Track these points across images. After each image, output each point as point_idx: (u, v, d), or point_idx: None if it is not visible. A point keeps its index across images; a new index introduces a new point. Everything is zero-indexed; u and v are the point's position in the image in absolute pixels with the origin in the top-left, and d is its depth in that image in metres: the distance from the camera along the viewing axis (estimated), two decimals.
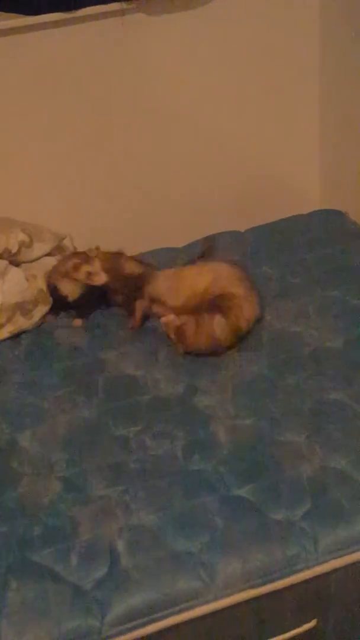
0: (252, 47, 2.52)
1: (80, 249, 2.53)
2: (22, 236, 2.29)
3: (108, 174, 2.56)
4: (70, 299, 2.29)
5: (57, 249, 2.46)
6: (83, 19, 2.27)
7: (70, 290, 2.28)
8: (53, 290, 2.29)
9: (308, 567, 1.56)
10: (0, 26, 2.18)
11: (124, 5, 2.27)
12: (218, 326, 2.07)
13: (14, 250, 2.27)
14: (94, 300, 2.31)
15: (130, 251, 2.52)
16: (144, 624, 1.49)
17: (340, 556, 1.58)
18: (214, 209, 2.69)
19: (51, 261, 2.39)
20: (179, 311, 2.13)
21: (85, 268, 2.20)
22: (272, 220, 2.66)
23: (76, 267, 2.21)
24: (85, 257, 2.24)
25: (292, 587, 1.56)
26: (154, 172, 2.60)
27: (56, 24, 2.24)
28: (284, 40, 2.56)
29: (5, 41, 2.22)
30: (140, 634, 1.49)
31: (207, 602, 1.52)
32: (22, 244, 2.29)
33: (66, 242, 2.51)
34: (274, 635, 1.60)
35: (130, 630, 1.48)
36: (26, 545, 1.61)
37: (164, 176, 2.62)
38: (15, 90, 2.32)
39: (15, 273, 2.26)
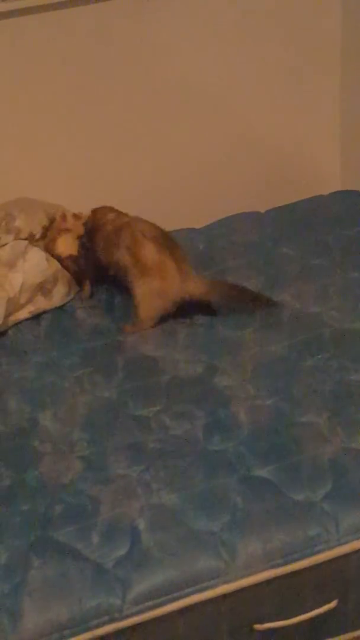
0: (274, 28, 2.50)
1: None
2: (45, 221, 2.29)
3: (127, 154, 2.55)
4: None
5: None
6: None
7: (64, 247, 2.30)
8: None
9: (329, 548, 1.55)
10: (24, 4, 2.17)
11: None
12: None
13: (37, 236, 2.27)
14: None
15: None
16: (164, 603, 1.49)
17: None
18: (234, 189, 2.67)
19: None
20: None
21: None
22: (293, 201, 2.64)
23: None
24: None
25: (312, 567, 1.56)
26: (173, 152, 2.59)
27: (77, 2, 2.22)
28: (305, 21, 2.53)
29: (27, 20, 2.21)
30: (161, 613, 1.50)
31: (227, 581, 1.52)
32: (45, 229, 2.29)
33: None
34: (295, 616, 1.60)
35: (151, 608, 1.49)
36: (48, 523, 1.62)
37: (184, 157, 2.60)
38: (34, 69, 2.31)
39: (35, 253, 2.26)
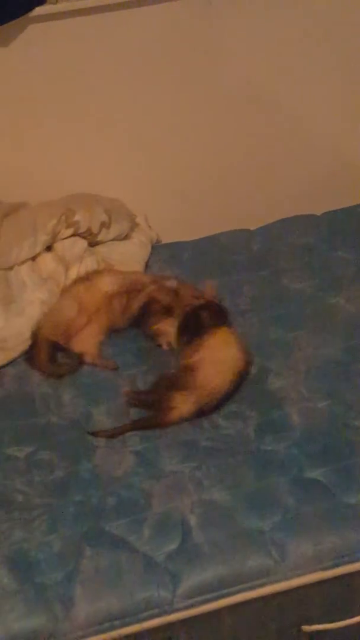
0: (338, 30, 2.47)
1: (155, 228, 2.55)
2: (104, 217, 2.32)
3: (184, 153, 2.55)
4: None
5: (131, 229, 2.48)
6: None
7: None
8: None
9: None
10: (90, 3, 2.19)
11: None
12: None
13: (96, 232, 2.30)
14: None
15: (205, 231, 2.53)
16: (214, 599, 1.51)
17: None
18: (291, 192, 2.66)
19: (126, 247, 2.41)
20: None
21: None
22: (349, 205, 2.62)
23: None
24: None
25: None
26: (230, 153, 2.59)
27: (144, 1, 2.24)
28: None
29: (92, 19, 2.23)
30: (210, 608, 1.51)
31: (277, 581, 1.53)
32: (102, 225, 2.32)
33: (141, 221, 2.53)
34: (343, 619, 1.60)
35: (201, 603, 1.50)
36: (100, 515, 1.64)
37: (240, 157, 2.60)
38: (96, 67, 2.33)
39: (91, 261, 2.29)
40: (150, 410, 1.89)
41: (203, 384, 1.86)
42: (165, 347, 2.09)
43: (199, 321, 2.04)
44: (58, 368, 2.07)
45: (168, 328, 2.09)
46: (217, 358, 1.93)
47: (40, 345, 2.08)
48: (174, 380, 1.90)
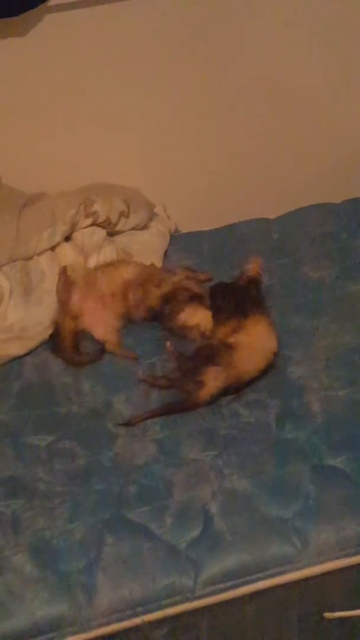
0: (353, 20, 2.45)
1: (173, 218, 2.55)
2: (122, 206, 2.32)
3: (203, 143, 2.55)
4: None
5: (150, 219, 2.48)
6: None
7: None
8: None
9: None
10: None
11: None
12: None
13: (114, 222, 2.30)
14: None
15: (224, 221, 2.52)
16: (236, 586, 1.51)
17: None
18: (310, 180, 2.65)
19: (145, 237, 2.41)
20: None
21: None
22: None
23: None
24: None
25: None
26: (248, 142, 2.58)
27: None
28: None
29: (109, 8, 2.23)
30: (232, 596, 1.52)
31: (299, 568, 1.53)
32: (121, 215, 2.32)
33: (159, 211, 2.52)
34: None
35: (223, 590, 1.51)
36: (121, 503, 1.65)
37: (259, 146, 2.59)
38: (114, 57, 2.33)
39: (109, 251, 2.29)
40: (176, 387, 1.90)
41: (237, 365, 1.87)
42: (199, 338, 2.04)
43: (247, 298, 2.06)
44: (81, 357, 2.08)
45: (196, 316, 2.07)
46: (255, 345, 1.93)
47: (63, 334, 2.09)
48: (212, 353, 1.90)
